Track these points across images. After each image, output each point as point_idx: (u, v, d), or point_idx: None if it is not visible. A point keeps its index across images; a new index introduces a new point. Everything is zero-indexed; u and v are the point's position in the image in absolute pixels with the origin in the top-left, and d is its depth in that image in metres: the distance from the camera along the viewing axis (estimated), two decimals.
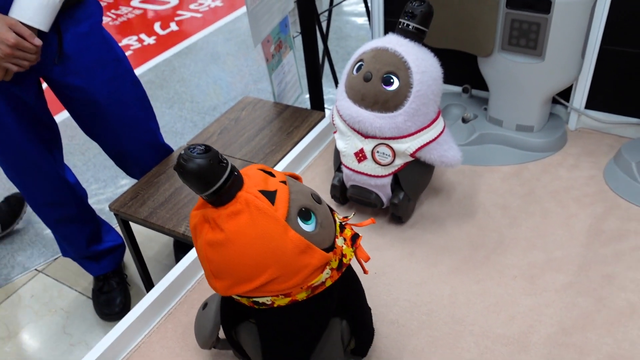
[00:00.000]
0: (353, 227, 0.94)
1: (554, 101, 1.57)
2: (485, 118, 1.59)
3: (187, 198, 1.47)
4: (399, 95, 1.16)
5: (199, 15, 3.93)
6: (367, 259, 0.90)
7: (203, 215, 0.80)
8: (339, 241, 0.87)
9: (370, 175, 1.27)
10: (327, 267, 0.83)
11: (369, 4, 1.99)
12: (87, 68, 1.43)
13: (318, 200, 0.86)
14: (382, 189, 1.28)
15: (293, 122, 1.73)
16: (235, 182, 0.76)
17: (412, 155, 1.22)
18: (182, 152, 0.73)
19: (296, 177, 0.92)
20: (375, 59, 1.18)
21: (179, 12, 3.99)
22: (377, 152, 1.24)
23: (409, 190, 1.28)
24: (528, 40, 1.38)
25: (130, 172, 1.72)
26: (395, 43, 1.19)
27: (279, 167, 1.50)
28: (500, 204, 1.36)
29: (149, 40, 3.60)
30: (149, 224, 1.42)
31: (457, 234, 1.29)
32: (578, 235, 1.26)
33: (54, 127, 1.55)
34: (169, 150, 1.73)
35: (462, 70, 1.65)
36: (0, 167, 1.53)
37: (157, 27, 3.82)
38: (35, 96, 1.44)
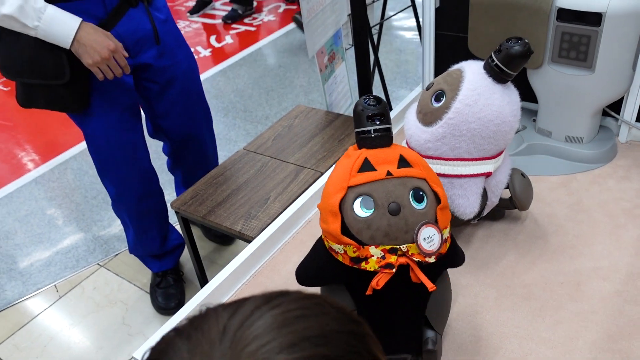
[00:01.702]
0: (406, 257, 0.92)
1: (604, 113, 1.58)
2: (534, 129, 1.62)
3: (244, 199, 1.55)
4: (436, 114, 1.16)
5: (252, 29, 4.07)
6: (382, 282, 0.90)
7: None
8: (373, 250, 0.91)
9: None
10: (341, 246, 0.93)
11: (420, 18, 2.05)
12: (172, 49, 1.61)
13: (395, 211, 0.90)
14: None
15: (344, 130, 1.79)
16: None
17: None
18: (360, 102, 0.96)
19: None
20: (445, 75, 1.20)
21: (234, 25, 4.14)
22: None
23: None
24: (578, 53, 1.40)
25: (182, 164, 1.83)
26: (471, 70, 1.15)
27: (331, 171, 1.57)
28: (548, 212, 1.38)
29: (205, 53, 3.76)
30: (208, 221, 1.51)
31: (503, 240, 1.32)
32: (626, 245, 1.27)
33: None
34: (215, 154, 1.88)
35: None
36: (98, 173, 1.66)
37: (212, 40, 3.98)
38: (131, 87, 1.59)
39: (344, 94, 2.02)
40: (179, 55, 1.63)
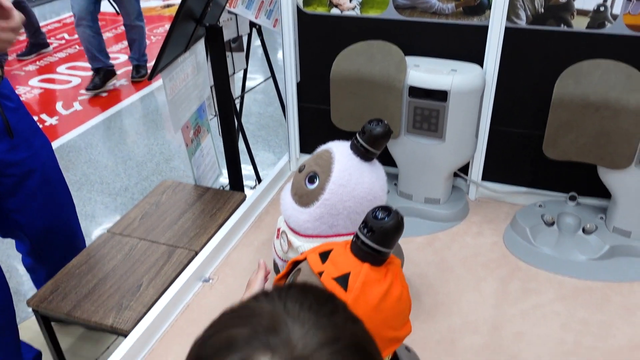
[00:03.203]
0: None
1: (456, 175, 1.75)
2: (396, 193, 1.73)
3: (113, 288, 1.45)
4: (312, 196, 1.21)
5: (104, 94, 3.91)
6: None
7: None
8: None
9: (275, 252, 1.36)
10: None
11: (282, 91, 2.12)
12: (27, 139, 1.47)
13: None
14: (283, 269, 1.36)
15: (215, 204, 1.77)
16: None
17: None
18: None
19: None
20: (315, 157, 1.25)
21: (82, 91, 3.94)
22: (282, 236, 1.31)
23: None
24: (430, 125, 1.55)
25: (48, 261, 1.66)
26: (339, 150, 1.21)
27: (206, 250, 1.53)
28: (419, 273, 1.47)
29: (51, 121, 3.52)
30: (73, 318, 1.38)
31: None
32: (488, 297, 1.39)
33: None
34: (83, 240, 1.73)
35: None
36: None
37: (59, 107, 3.74)
38: None
39: (211, 165, 2.00)
40: (36, 145, 1.50)
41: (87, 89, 3.89)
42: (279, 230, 1.34)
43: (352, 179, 1.18)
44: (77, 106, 3.73)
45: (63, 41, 5.03)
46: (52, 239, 1.62)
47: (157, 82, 4.04)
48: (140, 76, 4.14)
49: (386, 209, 0.91)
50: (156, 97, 3.86)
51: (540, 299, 1.38)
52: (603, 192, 1.56)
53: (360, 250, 0.88)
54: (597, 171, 1.51)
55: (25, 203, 1.52)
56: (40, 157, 1.52)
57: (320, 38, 1.71)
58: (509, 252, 1.54)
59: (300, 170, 1.26)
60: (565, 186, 1.65)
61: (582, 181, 1.61)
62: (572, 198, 1.63)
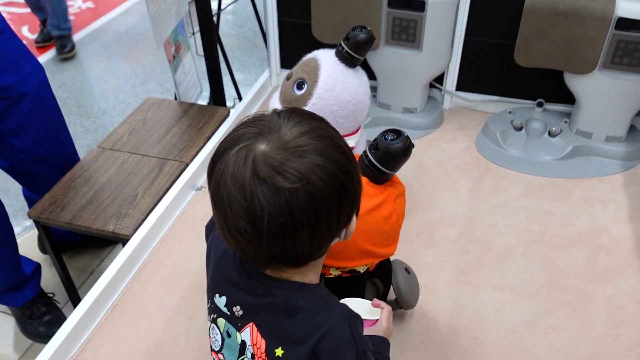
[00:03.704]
0: None
1: (431, 86, 1.83)
2: (375, 103, 1.81)
3: (110, 198, 1.51)
4: (300, 101, 1.27)
5: (70, 17, 3.79)
6: None
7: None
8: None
9: None
10: None
11: (261, 7, 2.13)
12: (14, 62, 1.43)
13: None
14: None
15: (201, 118, 1.82)
16: None
17: None
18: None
19: None
20: (302, 65, 1.30)
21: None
22: None
23: None
24: (408, 35, 1.61)
25: (37, 182, 1.68)
26: (325, 57, 1.26)
27: (196, 162, 1.60)
28: (398, 176, 1.58)
29: None
30: (74, 226, 1.45)
31: None
32: (462, 195, 1.52)
33: None
34: (75, 156, 1.75)
35: None
36: None
37: (25, 31, 3.62)
38: None
39: (192, 82, 2.03)
40: (26, 69, 1.47)
41: (37, 42, 3.38)
42: None
43: (337, 84, 1.24)
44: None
45: None
46: (49, 164, 1.63)
47: (121, 6, 3.93)
48: (67, 51, 3.24)
49: (397, 132, 0.96)
50: (124, 20, 3.77)
51: (509, 195, 1.51)
52: (568, 99, 1.67)
53: (363, 163, 0.96)
54: (563, 77, 1.61)
55: (18, 128, 1.52)
56: (32, 82, 1.49)
57: None
58: (480, 155, 1.66)
59: (287, 78, 1.32)
60: (533, 94, 1.75)
61: (549, 88, 1.72)
62: (540, 104, 1.73)
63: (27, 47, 1.54)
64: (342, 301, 0.87)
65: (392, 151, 0.94)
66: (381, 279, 1.15)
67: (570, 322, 1.17)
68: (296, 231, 0.62)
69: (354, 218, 0.70)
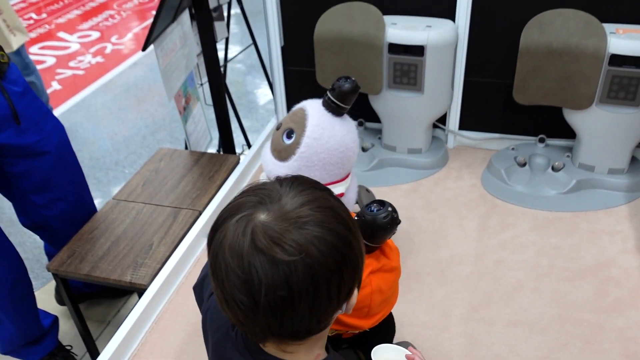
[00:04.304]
0: None
1: (435, 126, 1.88)
2: (381, 146, 1.86)
3: (127, 249, 1.55)
4: (290, 150, 1.32)
5: (81, 72, 3.92)
6: None
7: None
8: None
9: None
10: None
11: (265, 56, 2.20)
12: (36, 122, 1.49)
13: None
14: None
15: (212, 167, 1.87)
16: None
17: None
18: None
19: None
20: (290, 115, 1.36)
21: (59, 70, 3.95)
22: None
23: None
24: (409, 79, 1.67)
25: (59, 237, 1.72)
26: (312, 107, 1.32)
27: (209, 209, 1.64)
28: (407, 216, 1.61)
29: None
30: (93, 278, 1.49)
31: None
32: (471, 232, 1.54)
33: None
34: (94, 209, 1.79)
35: (355, 106, 1.90)
36: None
37: None
38: None
39: (202, 132, 2.10)
40: (47, 128, 1.53)
41: None
42: None
43: (325, 132, 1.28)
44: (55, 86, 3.74)
45: (32, 21, 4.97)
46: (71, 219, 1.68)
47: (130, 60, 4.06)
48: None
49: (382, 203, 0.98)
50: (133, 72, 3.90)
51: (517, 231, 1.54)
52: (569, 133, 1.71)
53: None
54: (563, 113, 1.65)
55: (41, 185, 1.58)
56: (53, 140, 1.55)
57: (302, 1, 1.80)
58: (486, 192, 1.69)
59: (277, 128, 1.37)
60: (535, 130, 1.79)
61: (549, 124, 1.76)
62: (541, 140, 1.78)
63: (47, 108, 1.60)
64: (376, 348, 0.87)
65: (375, 224, 0.94)
66: (364, 352, 1.14)
67: (584, 355, 1.18)
68: (294, 305, 0.60)
69: (355, 291, 0.68)
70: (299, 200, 0.63)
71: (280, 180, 0.67)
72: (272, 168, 1.36)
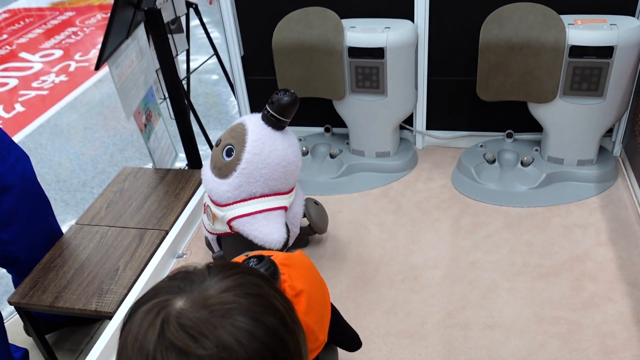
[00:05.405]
0: None
1: (402, 127, 1.85)
2: (349, 151, 1.83)
3: (91, 275, 1.50)
4: (230, 167, 1.29)
5: (44, 92, 3.83)
6: None
7: None
8: None
9: (204, 226, 1.44)
10: None
11: (230, 67, 2.16)
12: None
13: None
14: (213, 242, 1.43)
15: (177, 184, 1.82)
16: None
17: (228, 223, 1.32)
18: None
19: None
20: (230, 130, 1.32)
21: (22, 92, 3.85)
22: (207, 210, 1.39)
23: (228, 256, 1.41)
24: (371, 82, 1.64)
25: (28, 271, 1.65)
26: (252, 122, 1.28)
27: (176, 228, 1.59)
28: (378, 222, 1.58)
29: None
30: (57, 309, 1.43)
31: (347, 255, 1.48)
32: (444, 235, 1.52)
33: None
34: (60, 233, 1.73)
35: (321, 113, 1.87)
36: None
37: (0, 110, 3.65)
38: None
39: (167, 148, 2.04)
40: (10, 159, 1.46)
41: None
42: (205, 205, 1.42)
43: (265, 147, 1.25)
44: (19, 107, 3.65)
45: None
46: (40, 252, 1.60)
47: (95, 76, 3.98)
48: None
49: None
50: (99, 89, 3.82)
51: (489, 230, 1.51)
52: (536, 127, 1.70)
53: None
54: (528, 107, 1.64)
55: (6, 219, 1.51)
56: (17, 171, 1.48)
57: (258, 9, 1.76)
58: (457, 192, 1.67)
59: (217, 144, 1.33)
60: (502, 125, 1.78)
61: (516, 119, 1.75)
62: (509, 135, 1.76)
63: (11, 138, 1.54)
64: None
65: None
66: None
67: (563, 354, 1.16)
68: None
69: None
70: (224, 284, 0.55)
71: (209, 265, 0.59)
72: (213, 186, 1.32)
